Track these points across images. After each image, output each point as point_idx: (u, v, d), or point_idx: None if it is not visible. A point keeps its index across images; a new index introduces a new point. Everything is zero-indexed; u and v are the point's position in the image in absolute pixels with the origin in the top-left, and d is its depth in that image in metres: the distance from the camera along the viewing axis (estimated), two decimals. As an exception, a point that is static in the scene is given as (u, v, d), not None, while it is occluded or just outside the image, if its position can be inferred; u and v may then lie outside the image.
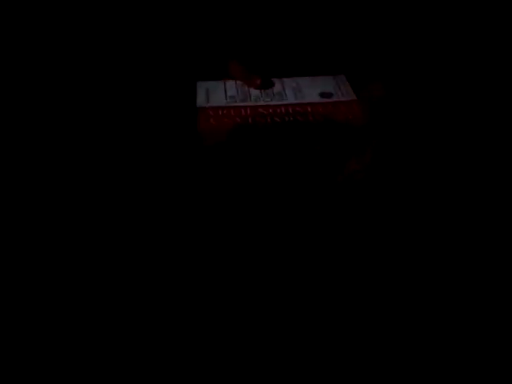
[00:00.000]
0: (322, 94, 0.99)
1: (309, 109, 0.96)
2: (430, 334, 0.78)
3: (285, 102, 0.97)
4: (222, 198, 0.89)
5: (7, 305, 0.80)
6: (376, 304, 0.82)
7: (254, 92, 1.00)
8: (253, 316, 0.80)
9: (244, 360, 0.75)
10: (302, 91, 0.99)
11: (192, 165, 0.91)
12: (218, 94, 0.99)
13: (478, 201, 0.91)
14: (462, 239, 0.88)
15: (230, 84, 1.02)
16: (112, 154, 0.94)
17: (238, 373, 0.74)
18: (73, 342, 0.77)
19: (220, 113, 0.94)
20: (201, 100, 0.97)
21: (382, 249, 0.87)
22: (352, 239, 0.88)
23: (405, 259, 0.86)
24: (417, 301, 0.82)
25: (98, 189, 0.90)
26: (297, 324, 0.79)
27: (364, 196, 0.91)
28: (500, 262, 0.86)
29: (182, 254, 0.85)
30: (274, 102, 0.97)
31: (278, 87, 1.01)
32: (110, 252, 0.85)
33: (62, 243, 0.85)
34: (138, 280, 0.83)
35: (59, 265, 0.83)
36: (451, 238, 0.88)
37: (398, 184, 0.92)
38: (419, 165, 0.95)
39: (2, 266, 0.83)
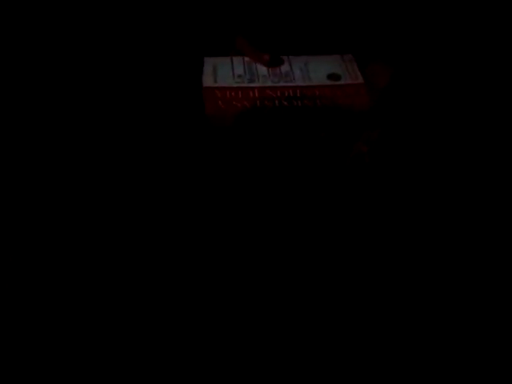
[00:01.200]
0: (330, 76, 0.98)
1: (316, 92, 0.95)
2: (430, 333, 0.80)
3: (293, 84, 0.96)
4: (229, 184, 0.90)
5: (7, 305, 0.81)
6: (378, 296, 0.84)
7: (262, 71, 0.99)
8: (252, 312, 0.82)
9: (244, 360, 0.77)
10: (310, 72, 0.99)
11: (200, 149, 0.91)
12: (226, 72, 0.98)
13: (481, 189, 0.93)
14: (465, 227, 0.89)
15: (238, 61, 1.00)
16: (113, 140, 0.94)
17: (238, 373, 0.76)
18: (73, 342, 0.78)
19: (228, 95, 0.94)
20: (208, 79, 0.97)
21: (388, 234, 0.88)
22: (359, 225, 0.89)
23: (411, 245, 0.87)
24: (418, 295, 0.84)
25: (101, 176, 0.90)
26: (297, 319, 0.81)
27: (370, 179, 0.92)
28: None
29: (186, 244, 0.86)
30: (281, 84, 0.96)
31: (285, 66, 1.00)
32: (114, 238, 0.87)
33: (63, 239, 0.86)
34: (140, 271, 0.84)
35: (59, 264, 0.84)
36: (456, 223, 0.90)
37: (403, 167, 0.93)
38: (425, 148, 0.95)
39: (2, 265, 0.84)
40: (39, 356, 0.78)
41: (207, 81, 0.96)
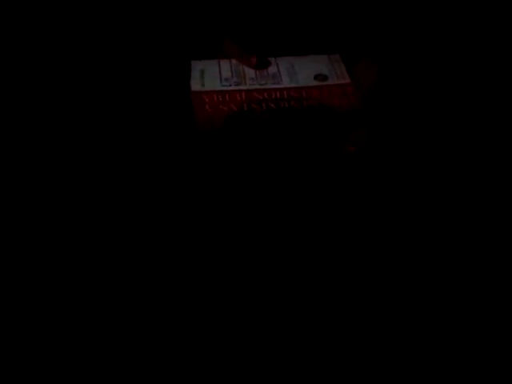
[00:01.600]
0: (317, 77, 0.98)
1: (303, 93, 0.96)
2: (430, 332, 0.80)
3: (280, 86, 0.97)
4: (220, 187, 0.90)
5: (7, 305, 0.82)
6: (375, 297, 0.84)
7: (249, 73, 0.99)
8: (252, 311, 0.82)
9: (244, 360, 0.78)
10: (297, 73, 0.99)
11: (189, 153, 0.91)
12: (213, 76, 0.98)
13: (471, 187, 0.93)
14: (456, 226, 0.90)
15: (225, 64, 1.01)
16: (103, 143, 0.94)
17: (238, 373, 0.77)
18: (73, 342, 0.79)
19: (215, 98, 0.94)
20: (196, 83, 0.97)
21: (376, 233, 0.89)
22: (347, 224, 0.90)
23: (403, 246, 0.88)
24: (415, 294, 0.84)
25: (93, 181, 0.91)
26: (297, 317, 0.82)
27: (358, 179, 0.92)
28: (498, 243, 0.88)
29: (180, 246, 0.87)
30: (268, 86, 0.97)
31: (272, 68, 1.00)
32: (109, 242, 0.87)
33: (62, 241, 0.87)
34: (138, 273, 0.85)
35: (59, 265, 0.85)
36: (445, 221, 0.90)
37: (391, 167, 0.94)
38: (414, 148, 0.96)
39: (1, 266, 0.84)
40: (39, 356, 0.79)
41: (195, 85, 0.97)
